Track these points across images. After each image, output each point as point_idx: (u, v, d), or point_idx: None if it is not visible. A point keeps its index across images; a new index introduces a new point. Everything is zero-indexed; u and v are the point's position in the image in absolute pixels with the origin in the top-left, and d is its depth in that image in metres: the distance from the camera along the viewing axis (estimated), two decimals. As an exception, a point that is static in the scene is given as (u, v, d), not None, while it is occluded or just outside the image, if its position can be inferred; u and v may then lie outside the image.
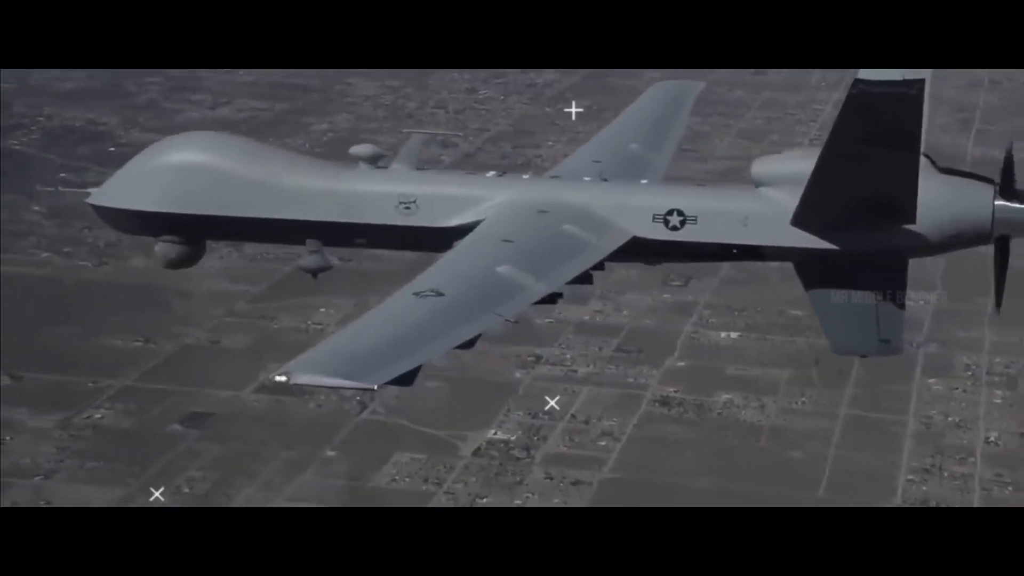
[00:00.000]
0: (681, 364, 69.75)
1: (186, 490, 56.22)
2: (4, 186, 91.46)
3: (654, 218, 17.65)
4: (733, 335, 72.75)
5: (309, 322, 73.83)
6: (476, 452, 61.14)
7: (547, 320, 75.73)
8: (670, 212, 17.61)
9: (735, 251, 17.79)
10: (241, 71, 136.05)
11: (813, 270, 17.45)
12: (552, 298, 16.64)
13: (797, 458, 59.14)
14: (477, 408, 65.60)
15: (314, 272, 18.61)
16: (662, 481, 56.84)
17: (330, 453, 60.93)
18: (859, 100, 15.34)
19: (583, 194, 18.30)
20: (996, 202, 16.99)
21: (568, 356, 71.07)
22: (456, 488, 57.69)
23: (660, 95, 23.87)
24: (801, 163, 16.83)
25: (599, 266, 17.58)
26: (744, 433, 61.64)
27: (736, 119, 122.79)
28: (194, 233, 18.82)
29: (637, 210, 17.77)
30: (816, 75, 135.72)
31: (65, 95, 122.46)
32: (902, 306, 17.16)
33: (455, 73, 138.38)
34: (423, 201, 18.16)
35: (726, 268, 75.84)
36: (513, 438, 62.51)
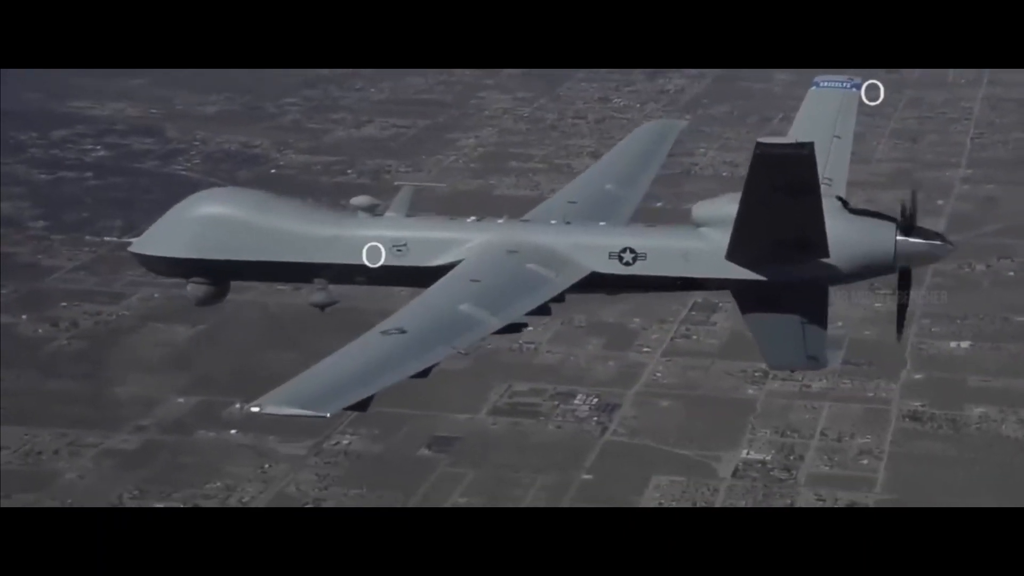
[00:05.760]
0: (918, 376, 68.12)
1: (456, 517, 55.64)
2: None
3: (610, 255, 20.12)
4: (964, 344, 70.97)
5: (521, 342, 73.15)
6: (735, 473, 60.01)
7: (761, 334, 74.49)
8: (623, 250, 20.12)
9: (679, 282, 20.22)
10: (372, 88, 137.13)
11: (747, 297, 19.77)
12: (516, 327, 18.98)
13: (1080, 474, 57.50)
14: (718, 427, 64.48)
15: (322, 307, 20.90)
16: (943, 502, 55.21)
17: (586, 476, 60.12)
18: (762, 159, 17.53)
19: (548, 236, 20.64)
20: (898, 238, 19.30)
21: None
22: (727, 511, 56.62)
23: (644, 134, 25.88)
24: (732, 206, 18.91)
25: (559, 298, 19.83)
26: (1013, 449, 59.92)
27: (885, 119, 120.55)
28: (219, 275, 21.18)
29: (596, 249, 20.21)
30: (951, 72, 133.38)
31: (210, 119, 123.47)
32: (824, 327, 19.48)
33: (583, 83, 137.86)
34: (413, 244, 20.51)
35: (932, 274, 74.00)
36: (768, 457, 61.29)
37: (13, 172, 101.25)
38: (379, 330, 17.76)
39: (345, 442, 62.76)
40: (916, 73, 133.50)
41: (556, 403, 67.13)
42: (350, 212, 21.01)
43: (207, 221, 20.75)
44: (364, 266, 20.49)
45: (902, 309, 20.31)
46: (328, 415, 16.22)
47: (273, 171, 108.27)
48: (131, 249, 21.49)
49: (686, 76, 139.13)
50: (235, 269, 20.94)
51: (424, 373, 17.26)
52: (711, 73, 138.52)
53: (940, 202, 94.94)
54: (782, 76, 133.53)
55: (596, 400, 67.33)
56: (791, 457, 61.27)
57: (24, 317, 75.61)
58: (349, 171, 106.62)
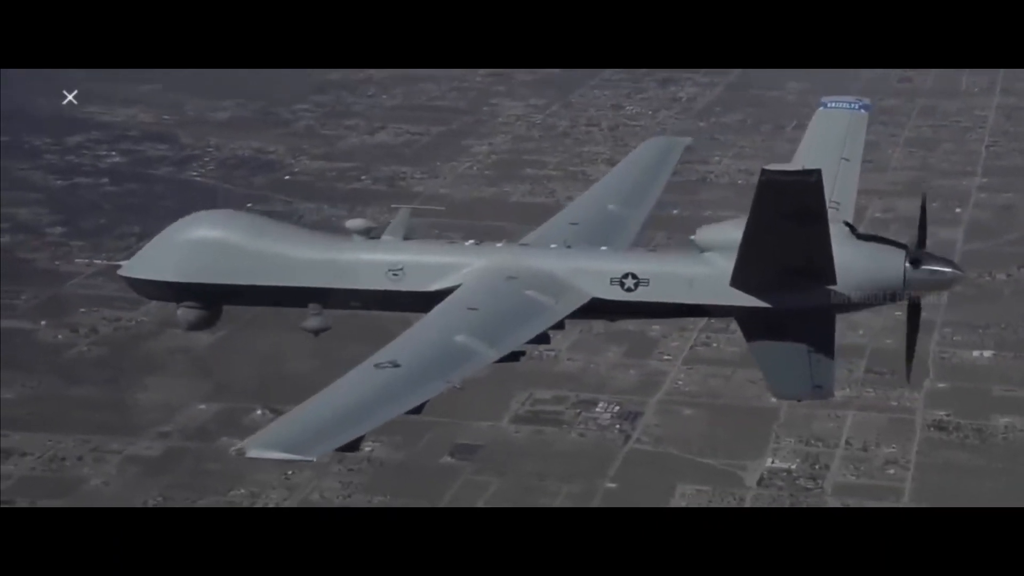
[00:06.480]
0: (942, 385, 67.94)
1: (482, 526, 55.39)
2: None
3: (611, 281, 19.71)
4: (986, 354, 70.80)
5: (541, 349, 72.69)
6: (761, 482, 59.83)
7: (782, 342, 74.33)
8: (625, 276, 19.72)
9: (682, 309, 19.85)
10: (384, 94, 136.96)
11: (752, 324, 19.35)
12: (514, 356, 18.61)
13: (1110, 485, 57.30)
14: (742, 436, 64.26)
15: (316, 332, 20.67)
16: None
17: (611, 485, 59.92)
18: (768, 186, 17.20)
19: (548, 261, 20.19)
20: (907, 265, 18.80)
21: (818, 379, 69.44)
22: (754, 520, 56.34)
23: (647, 152, 25.53)
24: (737, 231, 18.53)
25: (559, 325, 19.48)
26: (1041, 459, 59.86)
27: (899, 128, 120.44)
28: (210, 299, 20.73)
29: (597, 274, 19.79)
30: (964, 80, 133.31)
31: (223, 124, 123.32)
32: (831, 355, 18.99)
33: (595, 91, 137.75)
34: (409, 268, 20.04)
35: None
36: (793, 467, 61.09)
37: (30, 178, 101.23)
38: (373, 362, 17.32)
39: (368, 449, 62.51)
40: (929, 81, 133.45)
41: (578, 411, 66.97)
42: (345, 235, 20.62)
43: (199, 244, 20.34)
44: (359, 290, 20.13)
45: (911, 345, 19.86)
46: (314, 459, 15.50)
47: (287, 177, 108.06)
48: (121, 272, 20.99)
49: (698, 84, 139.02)
50: (227, 293, 20.49)
51: (418, 409, 16.85)
52: (723, 81, 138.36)
53: (958, 210, 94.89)
54: (794, 84, 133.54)
55: (618, 408, 67.16)
56: (816, 466, 61.07)
57: (43, 323, 75.56)
58: (364, 177, 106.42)
